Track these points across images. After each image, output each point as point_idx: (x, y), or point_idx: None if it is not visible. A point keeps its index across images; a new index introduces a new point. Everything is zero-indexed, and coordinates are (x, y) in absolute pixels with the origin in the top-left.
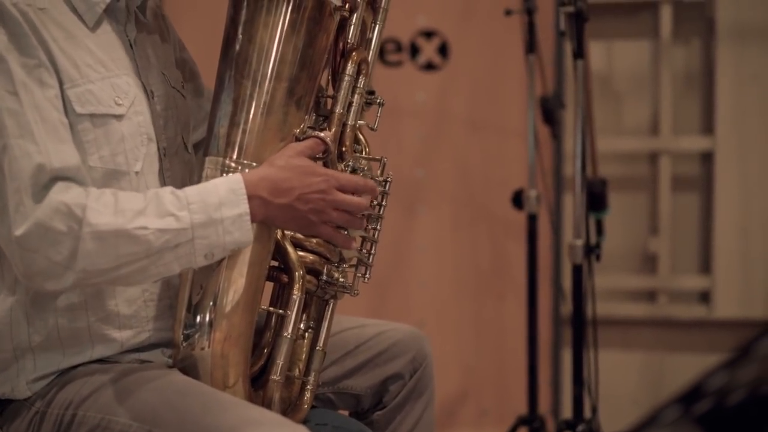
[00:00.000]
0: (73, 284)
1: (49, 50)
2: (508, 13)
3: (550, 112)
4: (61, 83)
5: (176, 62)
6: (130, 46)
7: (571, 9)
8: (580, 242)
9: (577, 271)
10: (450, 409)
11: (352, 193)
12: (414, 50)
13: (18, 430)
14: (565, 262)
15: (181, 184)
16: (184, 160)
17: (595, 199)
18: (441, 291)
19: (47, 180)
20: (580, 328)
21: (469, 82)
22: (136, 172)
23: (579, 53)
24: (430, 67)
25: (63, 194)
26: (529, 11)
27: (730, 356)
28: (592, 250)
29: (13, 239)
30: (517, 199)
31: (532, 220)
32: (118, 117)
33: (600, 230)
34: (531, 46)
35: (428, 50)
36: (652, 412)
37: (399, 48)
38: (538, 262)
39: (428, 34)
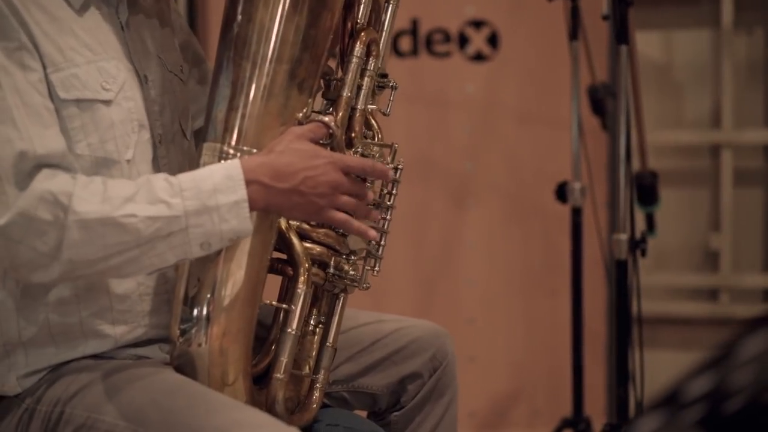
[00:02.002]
0: (60, 276)
1: (31, 33)
2: None
3: (599, 102)
4: (44, 67)
5: (180, 46)
6: (122, 28)
7: None
8: (624, 237)
9: (621, 266)
10: (500, 409)
11: (363, 179)
12: (463, 40)
13: (8, 428)
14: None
15: (178, 173)
16: (182, 147)
17: (645, 193)
18: (491, 287)
19: (31, 167)
20: (625, 327)
21: (520, 72)
22: (128, 160)
23: (623, 38)
24: (479, 57)
25: (48, 182)
26: None
27: (708, 359)
28: (637, 245)
29: None
30: (561, 192)
31: (577, 213)
32: (107, 102)
33: (651, 225)
34: (575, 32)
35: (477, 40)
36: (629, 423)
37: (447, 38)
38: (585, 257)
39: (477, 24)
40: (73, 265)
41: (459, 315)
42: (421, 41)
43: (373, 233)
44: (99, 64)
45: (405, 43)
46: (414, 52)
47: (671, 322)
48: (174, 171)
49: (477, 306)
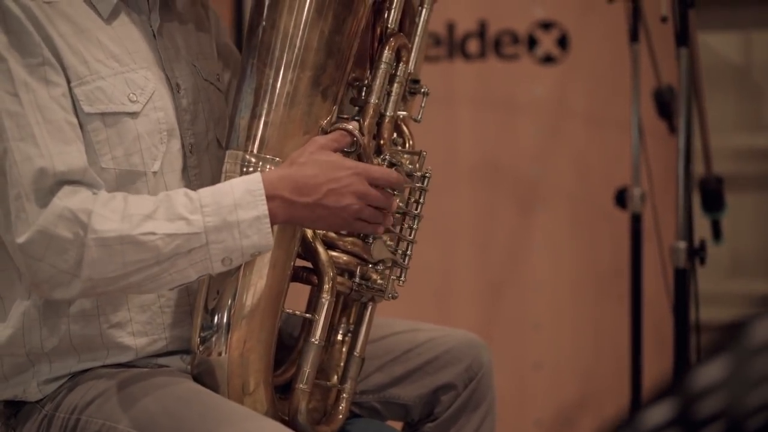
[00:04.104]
0: (81, 292)
1: (55, 47)
2: (611, 0)
3: (665, 105)
4: (68, 81)
5: (219, 51)
6: (153, 36)
7: None
8: (683, 245)
9: (680, 275)
10: (567, 416)
11: (392, 190)
12: (531, 42)
13: None
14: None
15: (211, 182)
16: (216, 156)
17: (710, 198)
18: (558, 293)
19: (52, 184)
20: (684, 337)
21: (590, 75)
22: (154, 173)
23: (683, 40)
24: (548, 60)
25: (68, 199)
26: None
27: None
28: (696, 253)
29: (17, 247)
30: (621, 198)
31: (636, 220)
32: (133, 114)
33: (717, 232)
34: (635, 34)
35: (547, 42)
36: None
37: (516, 40)
38: (652, 263)
39: (546, 26)
40: (94, 283)
41: (525, 320)
42: (489, 43)
43: (390, 221)
44: (126, 76)
45: (473, 46)
46: (482, 54)
47: None
48: (206, 181)
49: (543, 311)
